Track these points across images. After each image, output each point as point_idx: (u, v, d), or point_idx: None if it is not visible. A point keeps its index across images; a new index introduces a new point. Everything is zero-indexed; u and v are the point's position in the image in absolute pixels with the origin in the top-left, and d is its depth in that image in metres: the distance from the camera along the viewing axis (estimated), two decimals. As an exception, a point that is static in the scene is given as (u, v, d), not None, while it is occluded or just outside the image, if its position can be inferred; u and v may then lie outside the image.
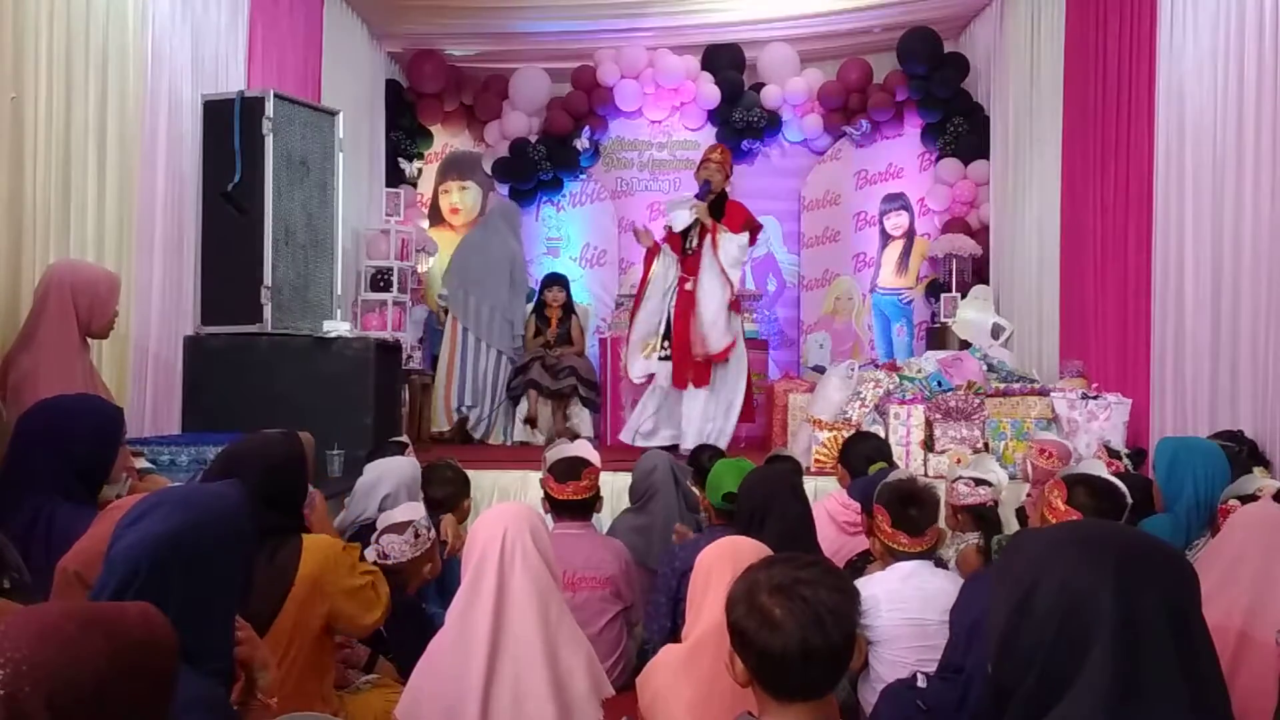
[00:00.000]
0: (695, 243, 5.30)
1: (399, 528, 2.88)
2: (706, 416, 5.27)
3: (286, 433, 2.66)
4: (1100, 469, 2.77)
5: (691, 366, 5.24)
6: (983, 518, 3.13)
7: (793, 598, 1.53)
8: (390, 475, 3.54)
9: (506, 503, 2.68)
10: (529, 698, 2.20)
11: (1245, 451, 3.66)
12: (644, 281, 5.50)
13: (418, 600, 3.06)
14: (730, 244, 5.22)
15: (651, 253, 5.45)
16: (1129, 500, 2.54)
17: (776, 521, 2.87)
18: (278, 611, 2.29)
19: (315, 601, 2.33)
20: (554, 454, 3.50)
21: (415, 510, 2.98)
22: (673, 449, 4.98)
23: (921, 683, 2.37)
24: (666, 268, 5.38)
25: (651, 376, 5.41)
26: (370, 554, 2.83)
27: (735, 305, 5.33)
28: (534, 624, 2.25)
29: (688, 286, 5.29)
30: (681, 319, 5.26)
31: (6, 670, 0.95)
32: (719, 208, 5.31)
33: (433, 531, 2.95)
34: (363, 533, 3.44)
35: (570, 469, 3.39)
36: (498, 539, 2.30)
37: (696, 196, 5.33)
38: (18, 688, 0.94)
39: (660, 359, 5.35)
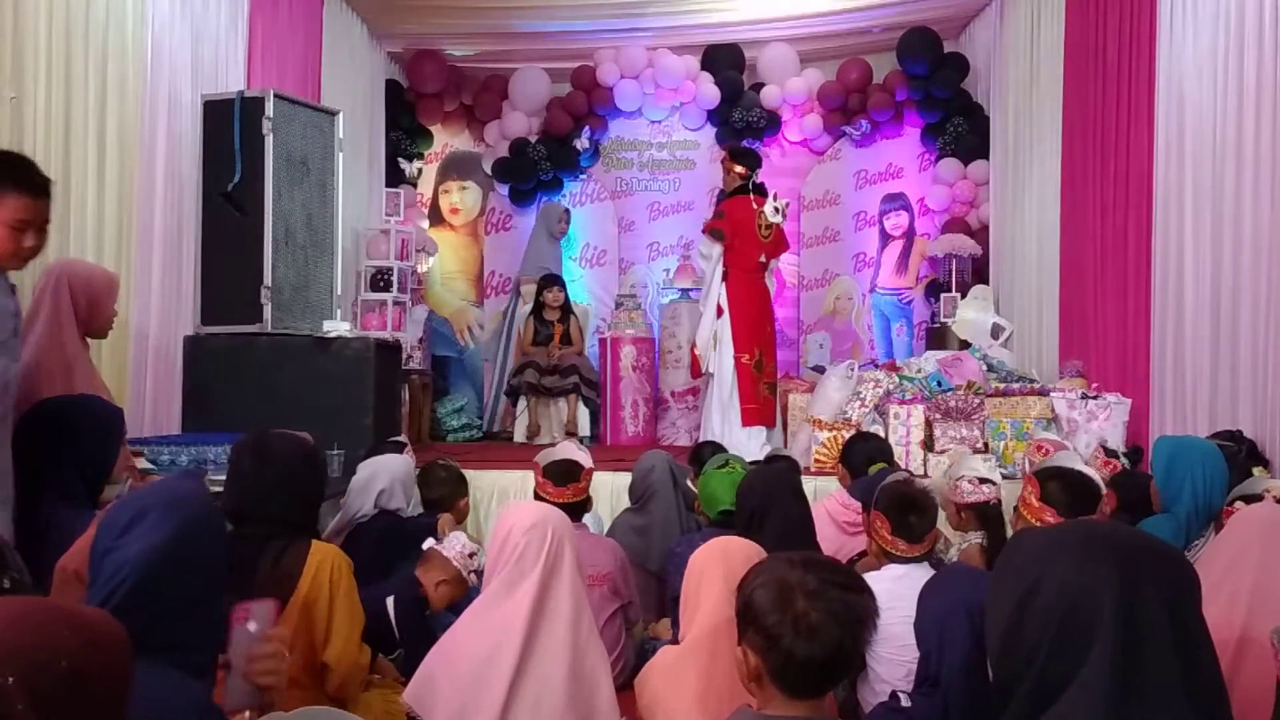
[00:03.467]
0: None
1: (471, 555, 2.96)
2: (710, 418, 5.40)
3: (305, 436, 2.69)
4: (1075, 462, 2.79)
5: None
6: (986, 516, 3.14)
7: (830, 602, 1.53)
8: (384, 471, 3.55)
9: (546, 505, 2.61)
10: (551, 702, 2.15)
11: (1244, 452, 3.65)
12: None
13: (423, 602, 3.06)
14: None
15: None
16: (1103, 491, 2.58)
17: (776, 521, 2.87)
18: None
19: (317, 607, 2.32)
20: (544, 457, 3.48)
21: (471, 558, 3.01)
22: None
23: (905, 702, 2.36)
24: None
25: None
26: (430, 543, 2.98)
27: (737, 306, 5.33)
28: (566, 630, 2.21)
29: None
30: None
31: None
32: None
33: (474, 578, 2.94)
34: (359, 530, 3.45)
35: (567, 472, 3.36)
36: (544, 539, 2.24)
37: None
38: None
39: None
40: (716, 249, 5.35)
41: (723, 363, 5.31)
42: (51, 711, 0.96)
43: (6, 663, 0.95)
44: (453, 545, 3.01)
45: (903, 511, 2.69)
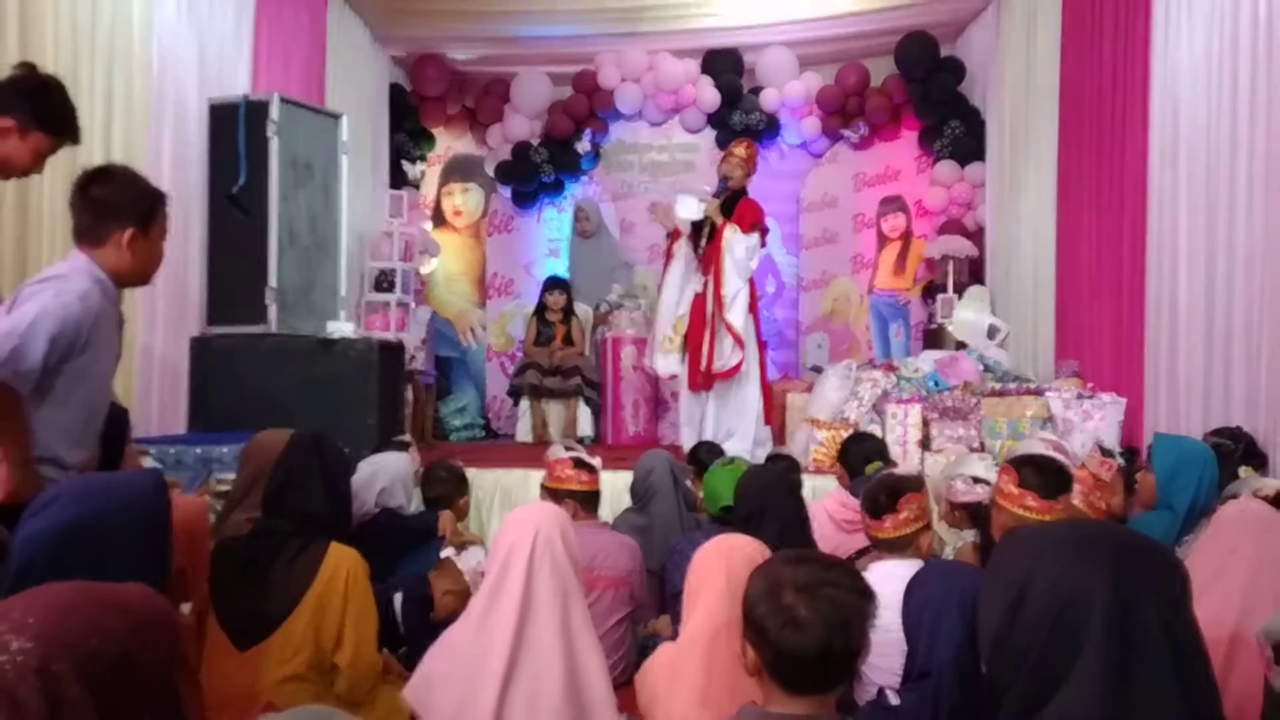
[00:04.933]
0: (706, 241, 5.21)
1: (484, 574, 2.99)
2: (719, 419, 5.24)
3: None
4: (1038, 447, 2.82)
5: (699, 372, 5.21)
6: (979, 515, 3.17)
7: (818, 598, 1.53)
8: (385, 469, 3.58)
9: (538, 503, 2.68)
10: (545, 698, 2.18)
11: (1241, 449, 3.67)
12: (665, 271, 5.48)
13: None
14: (738, 245, 5.09)
15: (673, 238, 5.41)
16: (1074, 473, 2.62)
17: (774, 520, 2.90)
18: (289, 613, 2.32)
19: (330, 608, 2.34)
20: (556, 454, 3.54)
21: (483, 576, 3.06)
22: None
23: (894, 700, 2.38)
24: (685, 261, 5.31)
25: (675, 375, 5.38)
26: (449, 552, 3.01)
27: (753, 307, 5.28)
28: (556, 627, 2.23)
29: (696, 288, 5.24)
30: (695, 325, 5.22)
31: (36, 646, 0.96)
32: (732, 205, 5.23)
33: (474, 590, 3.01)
34: (363, 529, 3.48)
35: (584, 462, 3.47)
36: (528, 537, 2.27)
37: (714, 193, 5.27)
38: (50, 662, 0.96)
39: (680, 360, 5.31)
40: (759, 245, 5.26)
41: (757, 365, 5.26)
42: (105, 696, 0.99)
43: (60, 654, 0.97)
44: (469, 560, 3.05)
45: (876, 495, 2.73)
